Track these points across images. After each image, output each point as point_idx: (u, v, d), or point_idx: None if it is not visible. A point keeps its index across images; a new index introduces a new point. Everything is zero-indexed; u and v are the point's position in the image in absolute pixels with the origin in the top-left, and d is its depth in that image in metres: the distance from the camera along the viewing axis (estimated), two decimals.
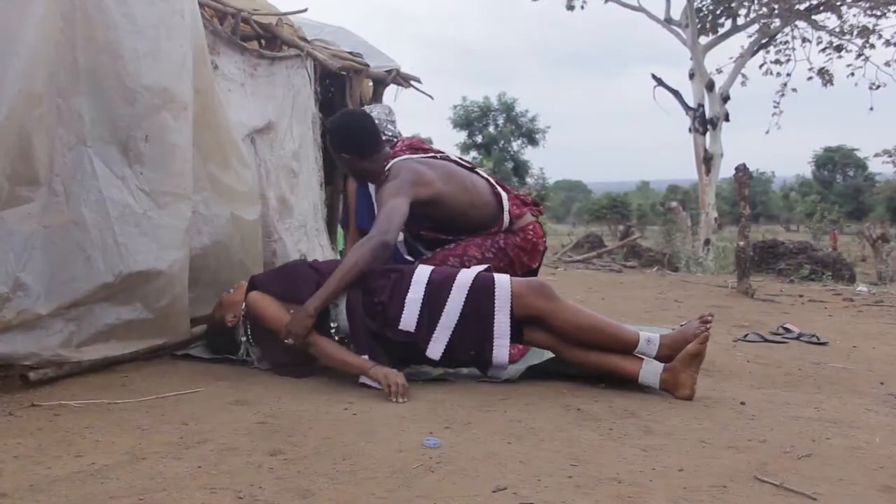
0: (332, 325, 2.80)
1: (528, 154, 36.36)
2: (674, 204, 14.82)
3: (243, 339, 2.99)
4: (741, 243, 6.54)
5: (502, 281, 2.71)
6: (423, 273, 2.78)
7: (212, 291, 3.62)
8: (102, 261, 2.71)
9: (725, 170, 14.95)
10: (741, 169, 6.67)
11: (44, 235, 2.59)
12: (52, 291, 2.60)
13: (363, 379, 2.67)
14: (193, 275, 3.19)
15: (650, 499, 1.72)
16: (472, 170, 3.41)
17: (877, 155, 28.06)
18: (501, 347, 2.70)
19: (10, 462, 1.90)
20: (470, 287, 2.71)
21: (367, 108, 3.79)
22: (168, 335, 3.09)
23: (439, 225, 3.28)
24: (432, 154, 3.39)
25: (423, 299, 2.70)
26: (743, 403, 2.60)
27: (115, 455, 1.95)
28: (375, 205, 3.19)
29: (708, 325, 2.66)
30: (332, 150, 3.40)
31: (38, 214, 2.57)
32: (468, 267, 2.94)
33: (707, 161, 14.22)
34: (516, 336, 2.74)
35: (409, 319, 2.71)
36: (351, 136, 3.28)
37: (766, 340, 4.08)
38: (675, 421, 2.36)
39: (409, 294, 2.71)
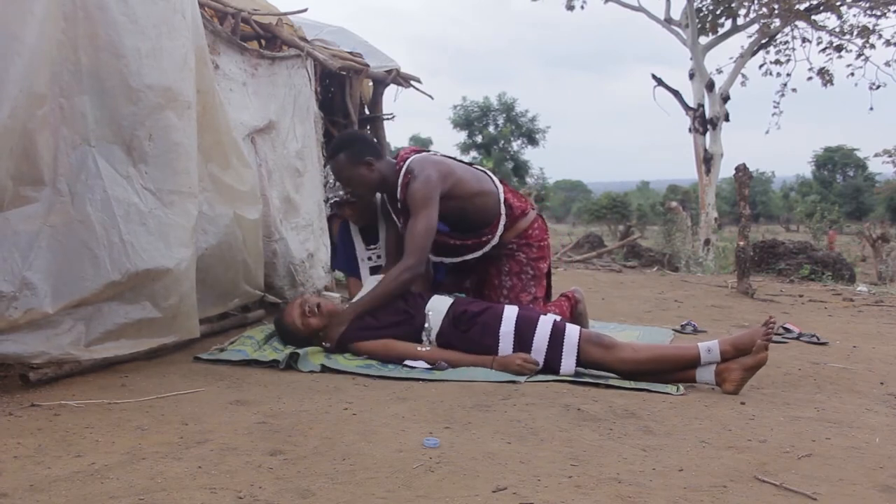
0: (425, 325, 3.11)
1: (528, 154, 36.43)
2: (674, 204, 14.78)
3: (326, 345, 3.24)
4: (741, 243, 6.54)
5: (571, 333, 2.97)
6: (511, 311, 3.10)
7: (217, 291, 3.63)
8: (109, 259, 2.71)
9: (725, 170, 14.95)
10: (741, 169, 6.67)
11: (49, 235, 2.59)
12: (58, 290, 2.60)
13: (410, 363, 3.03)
14: (199, 275, 3.20)
15: (650, 499, 1.72)
16: (469, 164, 3.59)
17: (877, 155, 27.93)
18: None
19: (10, 462, 1.90)
20: (549, 335, 2.97)
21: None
22: (177, 334, 3.09)
23: (452, 220, 3.41)
24: (433, 153, 3.54)
25: (513, 332, 3.00)
26: (743, 403, 2.61)
27: (115, 455, 1.95)
28: (411, 206, 3.30)
29: (771, 330, 2.79)
30: (350, 165, 3.37)
31: (44, 214, 2.58)
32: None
33: (707, 161, 14.21)
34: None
35: (505, 349, 3.01)
36: (366, 140, 3.46)
37: None
38: (675, 421, 2.36)
39: (501, 327, 3.02)
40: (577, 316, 3.60)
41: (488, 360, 2.98)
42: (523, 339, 2.98)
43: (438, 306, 3.14)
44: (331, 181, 3.66)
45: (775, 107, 15.39)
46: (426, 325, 3.10)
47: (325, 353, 3.18)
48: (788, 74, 15.14)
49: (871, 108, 14.81)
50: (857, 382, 3.07)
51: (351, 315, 3.18)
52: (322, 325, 3.25)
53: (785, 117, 15.44)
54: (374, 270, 3.80)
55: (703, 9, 15.11)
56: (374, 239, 3.76)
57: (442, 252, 3.53)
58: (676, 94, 14.70)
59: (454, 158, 3.56)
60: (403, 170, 3.33)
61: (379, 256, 3.76)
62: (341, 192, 3.61)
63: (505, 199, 3.48)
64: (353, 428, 2.21)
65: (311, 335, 3.26)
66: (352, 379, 2.89)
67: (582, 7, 15.58)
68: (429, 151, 3.53)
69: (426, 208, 3.20)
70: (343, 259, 3.85)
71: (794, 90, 15.22)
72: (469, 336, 3.03)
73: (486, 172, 3.55)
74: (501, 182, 3.56)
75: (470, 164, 3.58)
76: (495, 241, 3.48)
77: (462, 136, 35.71)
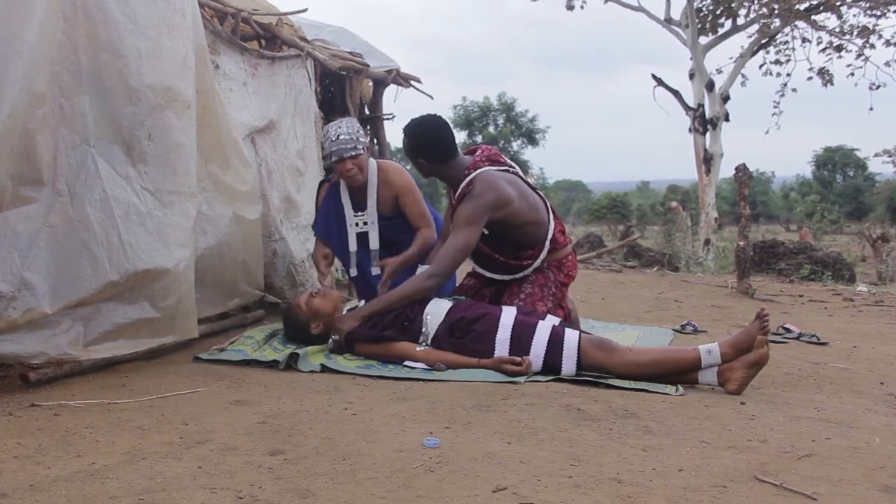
0: (422, 329, 3.11)
1: (528, 154, 36.46)
2: (674, 204, 14.78)
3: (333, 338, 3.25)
4: (741, 243, 6.54)
5: (571, 337, 2.94)
6: (508, 316, 3.06)
7: (216, 291, 3.63)
8: (108, 260, 2.72)
9: (725, 170, 14.97)
10: (741, 169, 6.66)
11: (49, 235, 2.59)
12: (57, 290, 2.60)
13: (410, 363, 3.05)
14: (199, 275, 3.21)
15: (650, 499, 1.72)
16: (534, 189, 3.54)
17: (877, 155, 27.88)
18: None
19: (10, 462, 1.90)
20: (548, 340, 2.95)
21: (335, 124, 3.68)
22: (175, 334, 3.09)
23: (494, 239, 3.39)
24: (506, 168, 3.47)
25: (510, 339, 2.98)
26: (743, 403, 2.61)
27: (115, 455, 1.95)
28: (454, 215, 3.32)
29: (765, 321, 2.78)
30: (408, 155, 3.47)
31: (43, 214, 2.58)
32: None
33: (707, 161, 14.19)
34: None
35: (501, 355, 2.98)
36: (425, 143, 3.40)
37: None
38: (675, 421, 2.36)
39: (497, 334, 3.00)
40: (570, 325, 3.59)
41: (474, 360, 2.97)
42: (521, 345, 2.96)
43: (436, 311, 3.14)
44: (332, 137, 3.59)
45: (775, 107, 15.38)
46: (423, 329, 3.10)
47: (325, 354, 3.18)
48: (788, 74, 15.13)
49: (871, 108, 14.79)
50: (857, 382, 3.07)
51: (367, 311, 3.20)
52: (327, 309, 3.27)
53: (785, 117, 15.44)
54: (360, 236, 3.82)
55: (703, 9, 15.09)
56: (362, 206, 3.80)
57: (479, 261, 3.53)
58: (676, 94, 14.68)
59: (521, 177, 3.49)
60: (468, 179, 3.33)
61: (366, 223, 3.81)
62: (345, 147, 3.56)
63: (553, 236, 3.46)
64: (353, 428, 2.21)
65: (313, 320, 3.27)
66: (352, 379, 2.89)
67: (582, 7, 15.57)
68: (502, 162, 3.48)
69: (470, 227, 3.23)
70: (325, 222, 3.85)
71: (794, 90, 15.21)
72: (464, 343, 3.02)
73: (545, 201, 3.52)
74: (555, 217, 3.53)
75: (534, 187, 3.54)
76: (535, 265, 3.45)
77: (462, 136, 35.73)
